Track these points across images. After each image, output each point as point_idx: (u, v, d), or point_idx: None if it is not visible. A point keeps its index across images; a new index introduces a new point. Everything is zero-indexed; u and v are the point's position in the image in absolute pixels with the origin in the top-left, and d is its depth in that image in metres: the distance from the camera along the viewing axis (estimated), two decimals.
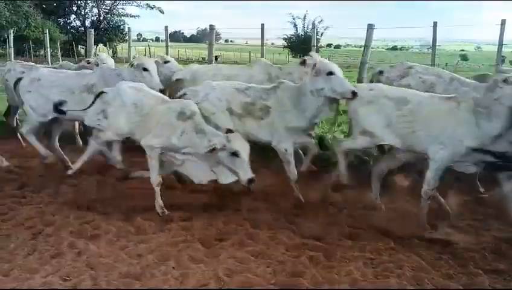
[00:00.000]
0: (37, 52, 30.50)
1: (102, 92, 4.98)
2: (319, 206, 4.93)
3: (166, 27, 6.86)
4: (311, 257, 3.88)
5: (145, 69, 5.59)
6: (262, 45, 7.18)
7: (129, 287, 3.38)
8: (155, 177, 4.74)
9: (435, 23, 5.76)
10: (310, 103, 4.77)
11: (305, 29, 47.74)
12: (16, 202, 4.98)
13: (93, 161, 5.58)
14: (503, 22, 5.68)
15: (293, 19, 48.60)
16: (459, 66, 45.44)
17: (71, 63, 7.13)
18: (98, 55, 6.57)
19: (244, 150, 4.40)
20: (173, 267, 3.66)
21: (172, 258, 3.79)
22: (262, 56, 7.06)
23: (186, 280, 3.49)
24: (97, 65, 6.38)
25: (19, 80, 5.80)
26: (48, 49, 10.78)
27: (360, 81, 5.85)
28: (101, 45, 38.44)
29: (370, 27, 5.62)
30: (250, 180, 4.36)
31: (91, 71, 5.99)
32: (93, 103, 5.00)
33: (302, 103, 4.81)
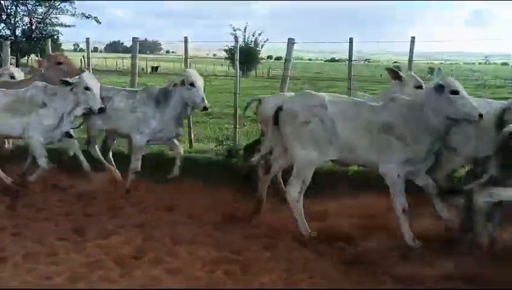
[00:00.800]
0: None
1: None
2: (241, 219, 4.97)
3: (87, 39, 6.59)
4: (228, 271, 3.87)
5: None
6: (186, 57, 7.16)
7: None
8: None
9: (351, 39, 6.00)
10: None
11: (246, 41, 48.32)
12: None
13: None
14: (412, 40, 6.02)
15: (234, 30, 49.13)
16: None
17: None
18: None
19: None
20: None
21: (82, 280, 3.67)
22: (187, 67, 7.04)
23: None
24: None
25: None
26: None
27: None
28: (33, 55, 36.83)
29: (290, 41, 5.78)
30: None
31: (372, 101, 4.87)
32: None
33: None
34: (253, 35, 47.32)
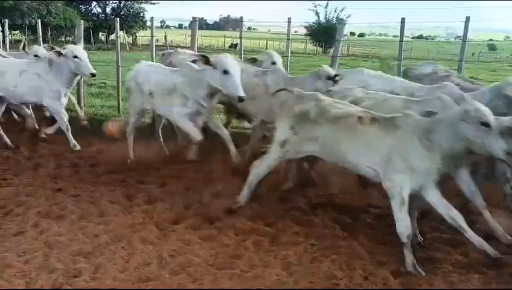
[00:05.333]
0: (58, 39, 31.21)
1: None
2: (277, 192, 5.10)
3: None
4: (256, 241, 4.08)
5: None
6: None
7: (76, 264, 3.64)
8: None
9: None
10: None
11: (327, 17, 47.41)
12: None
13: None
14: (467, 19, 5.61)
15: (315, 6, 48.28)
16: (485, 57, 44.38)
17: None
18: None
19: None
20: (122, 247, 3.92)
21: (124, 239, 4.05)
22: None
23: (132, 258, 3.75)
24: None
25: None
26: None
27: None
28: (121, 32, 39.02)
29: (340, 22, 5.67)
30: None
31: None
32: None
33: None
34: (335, 11, 46.29)
